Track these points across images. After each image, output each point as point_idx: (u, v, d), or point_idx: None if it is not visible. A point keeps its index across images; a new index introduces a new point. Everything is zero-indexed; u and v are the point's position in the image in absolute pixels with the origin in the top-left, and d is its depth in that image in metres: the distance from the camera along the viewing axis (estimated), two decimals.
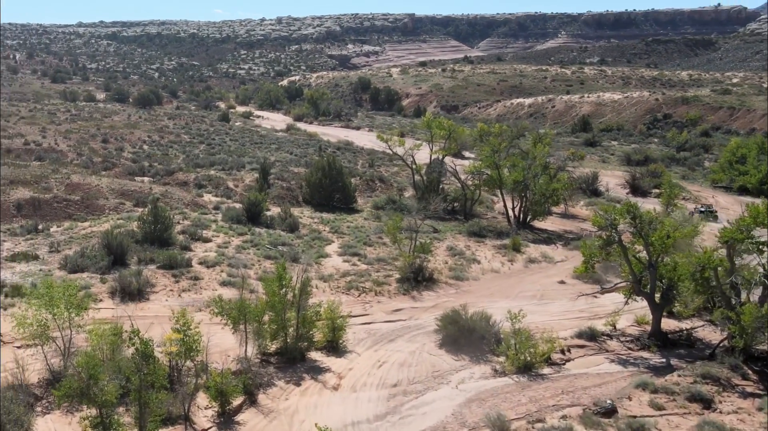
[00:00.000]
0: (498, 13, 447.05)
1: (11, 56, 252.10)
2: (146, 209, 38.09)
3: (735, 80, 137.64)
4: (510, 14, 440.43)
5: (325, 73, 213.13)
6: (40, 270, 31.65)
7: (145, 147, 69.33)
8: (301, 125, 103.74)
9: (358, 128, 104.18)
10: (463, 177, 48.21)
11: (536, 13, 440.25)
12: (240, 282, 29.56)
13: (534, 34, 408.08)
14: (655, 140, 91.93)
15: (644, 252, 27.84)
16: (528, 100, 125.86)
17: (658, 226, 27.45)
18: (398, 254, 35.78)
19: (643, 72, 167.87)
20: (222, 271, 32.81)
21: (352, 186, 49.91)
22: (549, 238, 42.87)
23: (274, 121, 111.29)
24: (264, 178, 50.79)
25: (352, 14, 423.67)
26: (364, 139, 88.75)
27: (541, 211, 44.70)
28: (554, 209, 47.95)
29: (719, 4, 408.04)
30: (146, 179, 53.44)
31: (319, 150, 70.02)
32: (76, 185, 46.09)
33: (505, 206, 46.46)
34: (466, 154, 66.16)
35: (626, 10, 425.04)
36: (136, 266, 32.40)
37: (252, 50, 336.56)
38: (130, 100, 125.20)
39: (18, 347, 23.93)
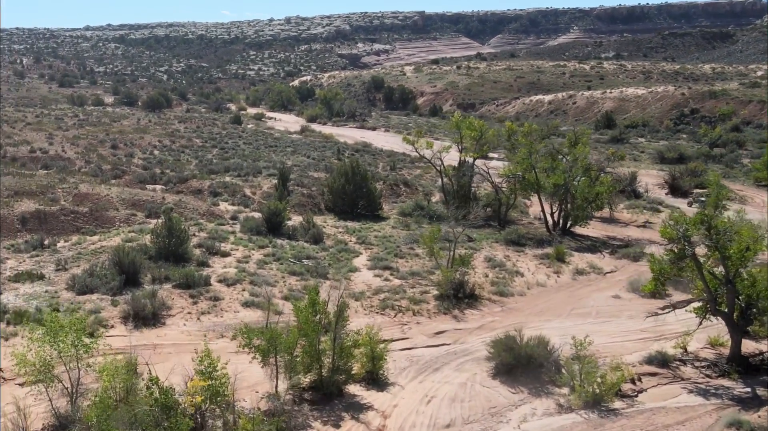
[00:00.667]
0: (509, 9, 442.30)
1: (18, 61, 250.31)
2: (159, 221, 35.30)
3: (759, 73, 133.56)
4: (521, 10, 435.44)
5: (336, 72, 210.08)
6: (46, 291, 28.90)
7: (156, 152, 66.55)
8: (315, 126, 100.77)
9: (373, 128, 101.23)
10: (495, 180, 45.11)
11: (548, 8, 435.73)
12: (265, 303, 26.76)
13: (546, 30, 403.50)
14: (684, 136, 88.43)
15: (717, 266, 24.75)
16: (548, 97, 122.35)
17: (735, 237, 24.30)
18: (434, 267, 32.83)
19: (664, 66, 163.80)
20: (244, 290, 29.92)
21: (377, 191, 46.89)
22: (593, 246, 39.69)
23: (287, 122, 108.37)
24: (283, 185, 47.88)
25: (362, 13, 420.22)
26: (381, 139, 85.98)
27: (583, 216, 41.54)
28: (594, 213, 44.63)
29: None
30: (158, 187, 50.59)
31: (337, 153, 67.06)
32: (85, 195, 43.36)
33: (543, 212, 43.28)
34: (490, 154, 62.84)
35: (639, 3, 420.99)
36: (149, 285, 29.57)
37: (261, 51, 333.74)
38: (139, 104, 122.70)
39: (20, 385, 21.17)
